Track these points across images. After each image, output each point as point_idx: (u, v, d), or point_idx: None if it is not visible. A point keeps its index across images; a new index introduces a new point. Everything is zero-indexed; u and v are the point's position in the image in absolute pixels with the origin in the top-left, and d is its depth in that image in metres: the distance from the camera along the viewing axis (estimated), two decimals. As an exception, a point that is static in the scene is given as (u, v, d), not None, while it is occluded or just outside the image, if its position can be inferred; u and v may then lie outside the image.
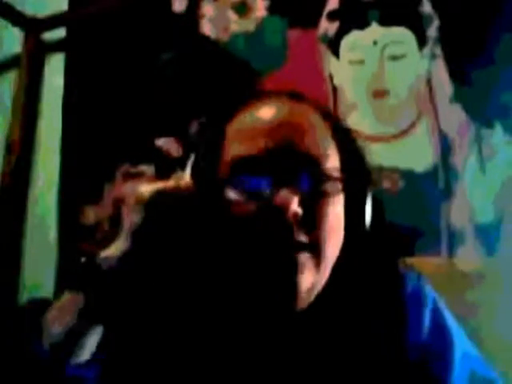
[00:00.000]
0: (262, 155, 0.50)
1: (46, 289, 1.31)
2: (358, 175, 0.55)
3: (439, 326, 0.56)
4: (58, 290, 1.29)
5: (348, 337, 0.53)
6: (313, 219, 0.50)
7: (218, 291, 0.53)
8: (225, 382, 0.52)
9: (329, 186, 0.52)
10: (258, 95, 0.58)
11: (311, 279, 0.50)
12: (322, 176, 0.51)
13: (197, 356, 0.53)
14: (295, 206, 0.49)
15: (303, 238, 0.50)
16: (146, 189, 0.51)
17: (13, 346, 0.49)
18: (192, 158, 0.56)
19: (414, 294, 0.57)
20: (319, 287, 0.52)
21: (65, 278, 1.29)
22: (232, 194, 0.51)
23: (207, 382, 0.52)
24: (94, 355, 0.49)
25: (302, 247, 0.50)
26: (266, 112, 0.54)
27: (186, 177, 0.54)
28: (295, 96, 0.57)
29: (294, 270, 0.49)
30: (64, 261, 1.32)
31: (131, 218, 0.51)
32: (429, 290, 0.58)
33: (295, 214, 0.49)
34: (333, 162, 0.53)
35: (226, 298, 0.53)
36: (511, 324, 0.93)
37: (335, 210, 0.53)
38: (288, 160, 0.50)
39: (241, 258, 0.50)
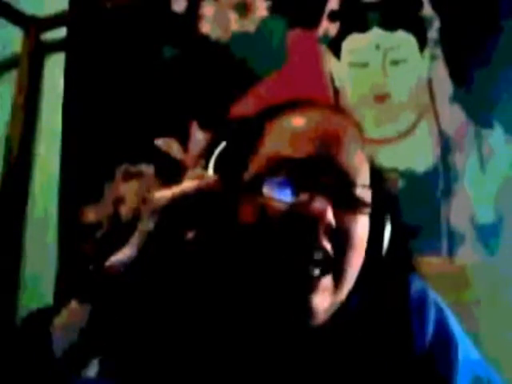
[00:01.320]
0: (303, 159, 0.50)
1: (46, 289, 1.31)
2: (383, 199, 0.55)
3: (443, 331, 0.56)
4: (58, 290, 1.29)
5: (355, 340, 0.52)
6: (342, 235, 0.49)
7: (234, 302, 0.52)
8: None
9: (359, 204, 0.51)
10: (303, 102, 0.58)
11: (329, 300, 0.49)
12: (354, 192, 0.51)
13: (208, 371, 0.52)
14: (330, 217, 0.48)
15: (330, 251, 0.48)
16: (162, 194, 0.49)
17: (21, 357, 0.47)
18: (219, 149, 0.53)
19: (418, 298, 0.56)
20: (337, 305, 0.51)
21: (71, 286, 1.29)
22: (268, 192, 0.49)
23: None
24: (103, 368, 0.48)
25: (326, 261, 0.48)
26: (311, 120, 0.54)
27: (208, 174, 0.51)
28: (338, 110, 0.59)
29: (309, 291, 0.48)
30: (64, 261, 1.32)
31: (145, 226, 0.48)
32: (432, 294, 0.58)
33: (328, 226, 0.48)
34: (364, 178, 0.53)
35: (242, 309, 0.52)
36: (511, 324, 0.93)
37: (362, 230, 0.52)
38: (327, 170, 0.50)
39: (260, 264, 0.49)
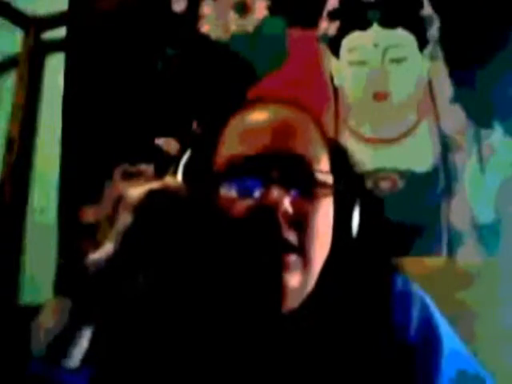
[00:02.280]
0: (256, 155, 0.52)
1: (46, 289, 1.31)
2: (348, 180, 0.56)
3: (427, 326, 0.56)
4: (58, 291, 1.29)
5: (335, 336, 0.53)
6: (302, 220, 0.51)
7: (207, 290, 0.54)
8: (215, 381, 0.52)
9: (319, 189, 0.53)
10: (254, 101, 0.60)
11: (298, 279, 0.51)
12: (312, 179, 0.53)
13: (187, 356, 0.53)
14: (286, 205, 0.50)
15: (292, 238, 0.50)
16: (136, 191, 0.51)
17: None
18: (186, 156, 0.56)
19: (401, 294, 0.57)
20: (308, 288, 0.53)
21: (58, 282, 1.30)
22: (226, 191, 0.52)
23: (197, 381, 0.52)
24: (85, 360, 0.49)
25: (290, 247, 0.50)
26: (262, 115, 0.56)
27: (176, 177, 0.54)
28: (289, 102, 0.59)
29: (280, 270, 0.50)
30: (64, 261, 1.32)
31: (121, 221, 0.50)
32: (416, 290, 0.59)
33: (285, 213, 0.50)
34: (324, 165, 0.55)
35: (216, 297, 0.54)
36: (511, 323, 0.93)
37: (324, 213, 0.54)
38: (281, 161, 0.52)
39: (230, 255, 0.51)
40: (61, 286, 0.51)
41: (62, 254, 1.33)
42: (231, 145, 0.54)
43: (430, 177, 1.05)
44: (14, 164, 1.42)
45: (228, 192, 0.52)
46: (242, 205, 0.51)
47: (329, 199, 0.54)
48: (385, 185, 1.06)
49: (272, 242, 0.50)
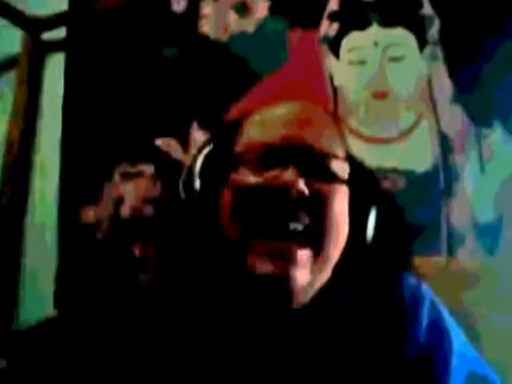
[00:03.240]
0: (274, 144, 0.52)
1: (46, 289, 1.31)
2: (364, 185, 0.56)
3: (437, 326, 0.55)
4: (58, 290, 1.29)
5: (346, 335, 0.52)
6: (319, 203, 0.50)
7: (214, 285, 0.53)
8: (222, 378, 0.51)
9: (335, 184, 0.52)
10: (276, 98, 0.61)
11: (308, 276, 0.49)
12: (329, 172, 0.52)
13: (193, 353, 0.52)
14: (302, 185, 0.48)
15: (305, 220, 0.49)
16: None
17: None
18: (208, 149, 0.57)
19: (411, 294, 0.56)
20: (318, 284, 0.51)
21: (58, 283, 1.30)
22: (242, 171, 0.52)
23: (204, 380, 0.51)
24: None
25: (303, 230, 0.49)
26: (285, 108, 0.57)
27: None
28: (311, 102, 0.60)
29: (290, 266, 0.48)
30: (64, 261, 1.32)
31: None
32: (426, 291, 0.58)
33: (300, 193, 0.48)
34: (341, 161, 0.54)
35: (223, 290, 0.53)
36: (510, 324, 0.93)
37: (342, 207, 0.53)
38: (299, 152, 0.51)
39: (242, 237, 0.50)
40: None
41: (62, 254, 1.33)
42: (251, 133, 0.55)
43: (430, 176, 1.04)
44: (14, 164, 1.42)
45: (246, 170, 0.52)
46: (254, 179, 0.50)
47: (345, 196, 0.53)
48: (384, 184, 1.06)
49: (284, 222, 0.48)
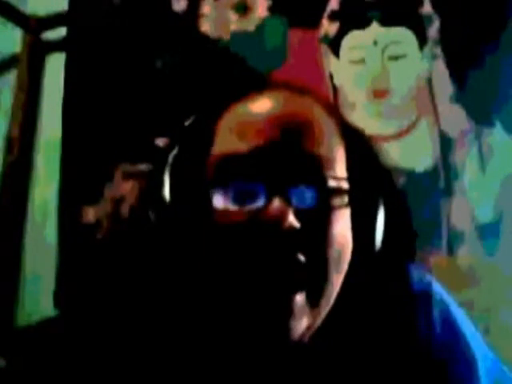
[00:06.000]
0: (252, 154, 0.41)
1: (46, 289, 1.31)
2: (369, 183, 0.46)
3: (450, 325, 0.51)
4: (58, 290, 1.29)
5: (356, 346, 0.47)
6: (314, 238, 0.41)
7: (205, 318, 0.46)
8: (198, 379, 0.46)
9: (335, 199, 0.42)
10: (257, 87, 0.49)
11: (305, 323, 0.41)
12: (326, 186, 0.42)
13: (166, 351, 0.47)
14: (291, 218, 0.39)
15: (301, 258, 0.40)
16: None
17: None
18: (172, 155, 0.46)
19: (421, 293, 0.51)
20: (318, 323, 0.43)
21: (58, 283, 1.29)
22: (218, 201, 0.41)
23: (177, 376, 0.47)
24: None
25: (301, 269, 0.40)
26: (262, 104, 0.45)
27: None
28: (297, 88, 0.47)
29: (287, 315, 0.40)
30: (64, 261, 1.32)
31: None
32: (436, 287, 0.53)
33: (291, 228, 0.39)
34: (340, 166, 0.44)
35: (213, 326, 0.45)
36: (510, 323, 0.93)
37: (341, 228, 0.43)
38: (284, 162, 0.41)
39: (226, 283, 0.41)
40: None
41: (62, 254, 1.33)
42: (224, 141, 0.44)
43: (430, 176, 1.04)
44: (14, 164, 1.42)
45: (220, 202, 0.41)
46: (237, 216, 0.40)
47: (344, 211, 0.43)
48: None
49: (277, 272, 0.39)
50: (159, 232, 0.44)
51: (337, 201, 0.42)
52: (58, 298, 1.29)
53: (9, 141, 1.44)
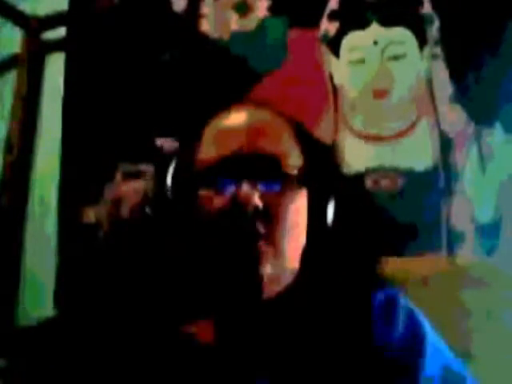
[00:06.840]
0: (229, 156, 0.57)
1: (46, 289, 1.31)
2: (322, 175, 0.61)
3: (411, 323, 0.58)
4: (58, 290, 1.29)
5: (314, 329, 0.55)
6: (270, 212, 0.56)
7: (186, 280, 0.58)
8: (193, 371, 0.53)
9: (288, 183, 0.57)
10: (230, 104, 0.65)
11: (271, 267, 0.55)
12: (281, 173, 0.58)
13: (165, 349, 0.54)
14: (256, 200, 0.55)
15: (261, 229, 0.55)
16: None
17: None
18: (172, 166, 0.62)
19: (388, 296, 0.59)
20: (284, 279, 0.57)
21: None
22: (204, 191, 0.57)
23: (176, 372, 0.53)
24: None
25: (260, 237, 0.55)
26: (235, 118, 0.61)
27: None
28: (263, 105, 0.65)
29: (253, 258, 0.54)
30: (64, 260, 1.32)
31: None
32: (403, 298, 0.60)
33: (255, 207, 0.54)
34: (294, 160, 0.60)
35: (194, 287, 0.57)
36: (510, 323, 0.93)
37: (294, 205, 0.58)
38: (252, 160, 0.57)
39: (207, 248, 0.56)
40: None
41: (61, 254, 1.33)
42: (208, 148, 0.60)
43: (430, 176, 1.05)
44: (14, 164, 1.43)
45: (206, 191, 0.57)
46: (218, 202, 0.56)
47: (299, 192, 0.59)
48: (384, 183, 1.06)
49: (244, 233, 0.54)
50: (156, 224, 0.59)
51: (293, 186, 0.58)
52: (58, 297, 1.29)
53: (9, 141, 1.44)
